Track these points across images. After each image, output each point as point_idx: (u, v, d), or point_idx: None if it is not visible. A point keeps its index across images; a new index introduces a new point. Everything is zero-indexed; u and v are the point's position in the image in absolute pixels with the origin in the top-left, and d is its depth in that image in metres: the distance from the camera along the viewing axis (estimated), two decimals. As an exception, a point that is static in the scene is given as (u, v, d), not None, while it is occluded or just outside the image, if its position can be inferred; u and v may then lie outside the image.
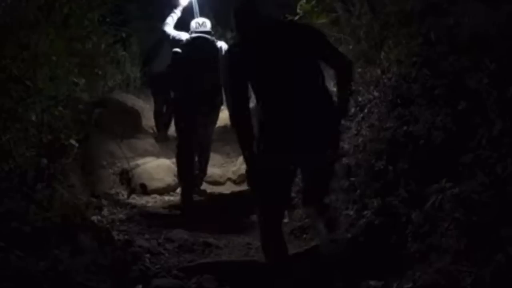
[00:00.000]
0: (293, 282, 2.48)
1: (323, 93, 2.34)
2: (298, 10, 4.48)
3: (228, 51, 3.01)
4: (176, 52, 4.19)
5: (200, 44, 4.17)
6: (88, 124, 4.12)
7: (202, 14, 4.56)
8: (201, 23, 4.26)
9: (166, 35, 4.35)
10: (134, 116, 5.96)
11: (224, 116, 4.05)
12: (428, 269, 2.23)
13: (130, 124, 5.74)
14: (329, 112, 2.33)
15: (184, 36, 4.24)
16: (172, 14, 4.45)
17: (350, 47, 3.99)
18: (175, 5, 4.53)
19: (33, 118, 3.08)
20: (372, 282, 2.42)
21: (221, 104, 4.24)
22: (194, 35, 4.21)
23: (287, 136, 2.27)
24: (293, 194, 3.71)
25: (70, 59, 3.64)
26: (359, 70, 3.72)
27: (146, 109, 6.41)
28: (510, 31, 2.45)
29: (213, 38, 4.28)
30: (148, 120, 6.24)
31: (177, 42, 4.23)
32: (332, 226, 2.44)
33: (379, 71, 3.40)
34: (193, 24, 4.29)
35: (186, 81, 4.15)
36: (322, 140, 2.32)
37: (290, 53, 2.30)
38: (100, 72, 4.79)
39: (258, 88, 2.34)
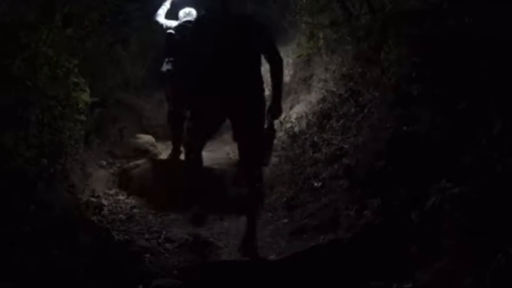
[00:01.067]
0: (292, 282, 2.48)
1: (255, 76, 3.05)
2: (297, 10, 4.49)
3: (197, 17, 3.71)
4: (170, 33, 4.76)
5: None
6: (88, 124, 4.13)
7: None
8: (188, 12, 4.91)
9: (159, 24, 4.96)
10: (134, 116, 5.96)
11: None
12: (428, 269, 2.23)
13: (130, 123, 5.74)
14: (256, 90, 3.06)
15: (174, 24, 4.84)
16: (163, 6, 5.08)
17: (350, 47, 3.99)
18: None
19: (33, 118, 3.08)
20: (372, 282, 2.41)
21: None
22: (184, 21, 4.78)
23: (217, 93, 2.99)
24: (293, 195, 3.73)
25: (70, 59, 3.64)
26: (359, 70, 3.72)
27: (146, 109, 6.40)
28: (510, 31, 2.45)
29: None
30: (148, 120, 6.23)
31: (169, 28, 4.84)
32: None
33: (379, 71, 3.40)
34: (181, 13, 4.95)
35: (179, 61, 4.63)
36: (248, 111, 3.02)
37: (241, 38, 3.00)
38: (100, 72, 4.80)
39: (208, 54, 3.00)
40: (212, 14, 3.15)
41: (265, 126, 3.08)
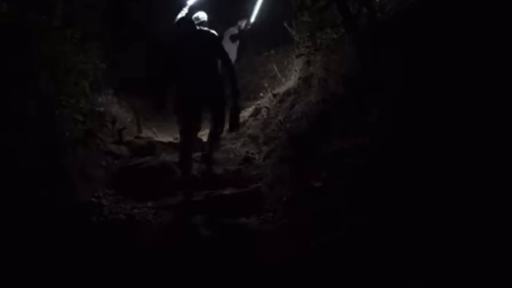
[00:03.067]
0: (293, 282, 2.49)
1: (215, 74, 4.17)
2: (297, 10, 4.48)
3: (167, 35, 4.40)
4: None
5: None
6: (88, 124, 4.13)
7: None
8: (196, 17, 5.10)
9: None
10: (134, 115, 5.97)
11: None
12: (429, 270, 2.23)
13: (130, 123, 5.75)
14: (216, 84, 4.15)
15: None
16: (182, 12, 5.63)
17: (350, 47, 3.99)
18: (183, 5, 5.79)
19: (33, 118, 3.09)
20: (372, 283, 2.42)
21: None
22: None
23: (191, 91, 4.08)
24: (293, 195, 3.73)
25: (70, 59, 3.65)
26: (359, 70, 3.72)
27: (146, 108, 6.40)
28: (510, 30, 2.45)
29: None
30: (148, 120, 6.24)
31: None
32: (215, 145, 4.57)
33: (379, 71, 3.40)
34: (193, 18, 5.15)
35: None
36: (212, 96, 4.16)
37: (202, 47, 4.09)
38: (100, 72, 4.80)
39: (179, 62, 4.10)
40: (180, 32, 4.24)
41: (232, 106, 4.17)
